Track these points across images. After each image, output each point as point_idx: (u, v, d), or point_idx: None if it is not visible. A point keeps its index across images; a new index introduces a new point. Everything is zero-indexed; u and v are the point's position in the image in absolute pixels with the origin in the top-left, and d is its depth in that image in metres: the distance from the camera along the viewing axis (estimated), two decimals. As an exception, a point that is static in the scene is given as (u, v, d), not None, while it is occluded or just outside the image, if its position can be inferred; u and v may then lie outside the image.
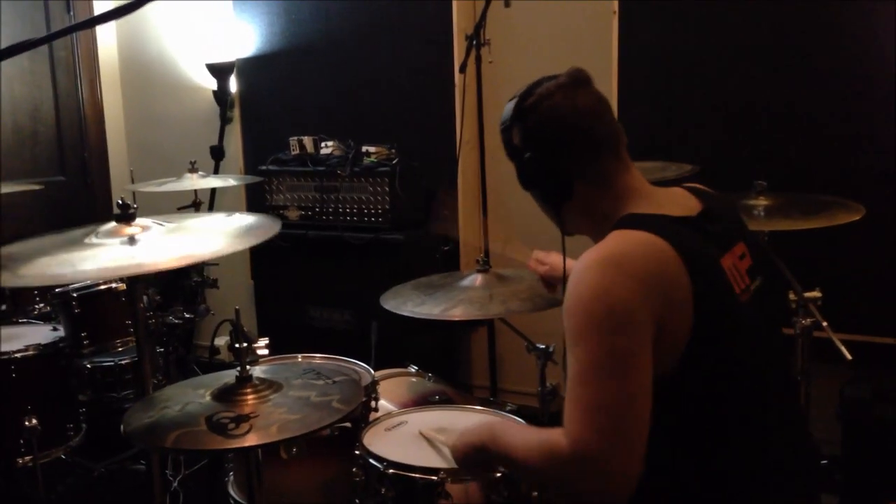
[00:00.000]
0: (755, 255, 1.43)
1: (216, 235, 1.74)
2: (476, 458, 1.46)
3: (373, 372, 2.14)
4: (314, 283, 3.52)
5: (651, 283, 1.22)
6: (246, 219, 1.84)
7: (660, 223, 1.30)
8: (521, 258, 2.10)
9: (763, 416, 1.35)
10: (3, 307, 3.02)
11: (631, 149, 1.46)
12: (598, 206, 1.42)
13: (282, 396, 1.49)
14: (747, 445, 1.32)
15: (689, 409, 1.29)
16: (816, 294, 2.09)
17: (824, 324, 2.03)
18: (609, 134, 1.42)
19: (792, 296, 2.08)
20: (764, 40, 2.85)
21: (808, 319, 2.09)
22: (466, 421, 1.98)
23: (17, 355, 2.60)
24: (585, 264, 1.26)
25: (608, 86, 3.09)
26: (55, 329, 2.83)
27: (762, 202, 2.28)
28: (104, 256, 1.54)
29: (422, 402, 2.21)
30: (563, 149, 1.40)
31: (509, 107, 1.46)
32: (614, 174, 1.41)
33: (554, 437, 1.21)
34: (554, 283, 1.97)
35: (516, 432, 1.38)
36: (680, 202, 1.41)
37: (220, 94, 4.14)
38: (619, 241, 1.29)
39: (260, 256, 3.77)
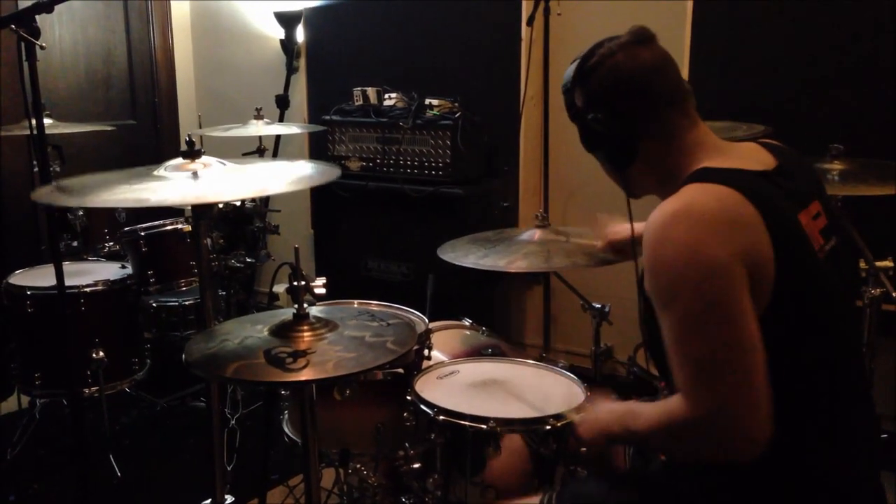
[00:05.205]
0: (830, 215, 1.38)
1: (276, 178, 1.77)
2: (603, 440, 1.47)
3: (427, 321, 2.15)
4: (373, 235, 3.55)
5: (733, 236, 1.17)
6: (307, 165, 1.85)
7: (735, 177, 1.26)
8: (581, 216, 2.07)
9: (836, 380, 1.31)
10: (74, 244, 3.13)
11: (701, 109, 1.43)
12: (664, 163, 1.39)
13: (337, 335, 1.50)
14: (820, 408, 1.28)
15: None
16: (888, 263, 2.02)
17: (894, 294, 1.96)
18: (674, 89, 1.39)
19: (863, 264, 2.01)
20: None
21: (878, 290, 2.02)
22: (518, 374, 1.99)
23: (87, 290, 2.70)
24: (661, 220, 1.21)
25: (681, 42, 2.99)
26: (123, 267, 2.93)
27: (837, 166, 2.20)
28: (169, 188, 1.57)
29: (474, 354, 2.21)
30: (626, 107, 1.38)
31: (571, 68, 1.44)
32: (680, 130, 1.38)
33: (672, 405, 1.19)
34: (621, 249, 1.93)
35: (641, 412, 1.33)
36: (755, 157, 1.37)
37: (287, 44, 4.16)
38: (694, 193, 1.24)
39: (320, 206, 3.81)
